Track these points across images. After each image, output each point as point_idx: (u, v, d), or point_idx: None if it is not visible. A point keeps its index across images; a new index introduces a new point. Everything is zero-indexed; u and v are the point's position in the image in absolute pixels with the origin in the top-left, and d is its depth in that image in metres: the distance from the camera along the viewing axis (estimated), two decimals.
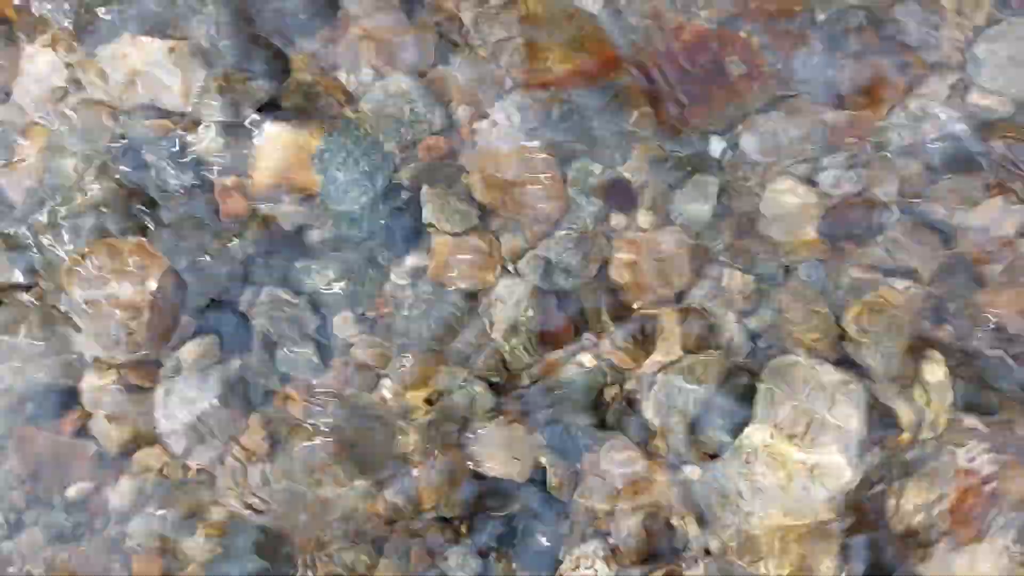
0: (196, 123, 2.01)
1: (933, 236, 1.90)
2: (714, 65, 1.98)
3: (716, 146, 1.99)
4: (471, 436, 1.92)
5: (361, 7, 2.04)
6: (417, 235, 1.98)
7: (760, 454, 1.78)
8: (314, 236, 1.99)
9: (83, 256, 1.94)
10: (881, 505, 1.78)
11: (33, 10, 2.08)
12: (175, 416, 1.91)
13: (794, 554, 1.76)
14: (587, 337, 1.95)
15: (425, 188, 1.98)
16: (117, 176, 2.01)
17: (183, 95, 2.00)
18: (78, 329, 1.96)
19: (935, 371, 1.82)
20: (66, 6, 2.06)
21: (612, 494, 1.87)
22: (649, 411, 1.89)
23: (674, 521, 1.85)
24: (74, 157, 2.03)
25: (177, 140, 2.01)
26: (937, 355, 1.83)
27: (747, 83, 1.97)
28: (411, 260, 1.98)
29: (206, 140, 2.00)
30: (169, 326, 1.94)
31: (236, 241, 1.98)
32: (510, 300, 1.95)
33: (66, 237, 1.99)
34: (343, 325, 1.97)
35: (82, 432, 1.95)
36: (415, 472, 1.89)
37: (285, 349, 1.96)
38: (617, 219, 1.98)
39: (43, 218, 2.01)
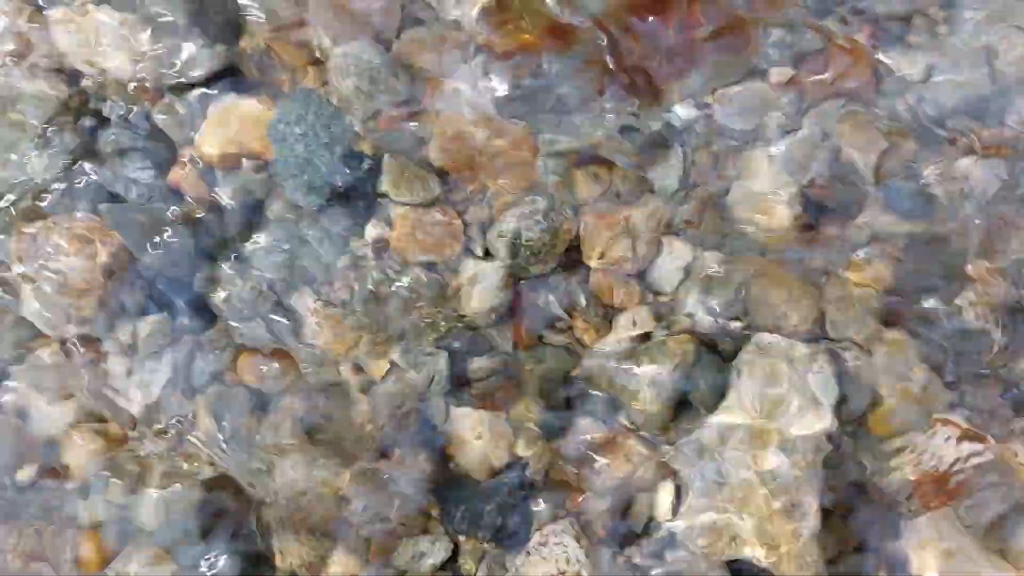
0: (147, 92, 1.93)
1: (909, 208, 1.86)
2: (682, 32, 1.92)
3: (684, 114, 1.93)
4: (439, 414, 1.87)
5: None
6: (378, 206, 1.92)
7: (734, 429, 1.75)
8: (270, 208, 1.93)
9: (32, 230, 1.87)
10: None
11: None
12: (128, 393, 1.85)
13: (769, 531, 1.73)
14: (555, 312, 1.90)
15: (386, 158, 1.91)
16: (66, 146, 1.94)
17: (134, 63, 1.92)
18: (27, 303, 1.90)
19: (903, 344, 1.79)
20: None
21: (583, 472, 1.83)
22: (618, 388, 1.85)
23: (645, 499, 1.81)
24: (23, 125, 1.96)
25: (128, 109, 1.93)
26: (907, 331, 1.81)
27: (716, 50, 1.92)
28: (372, 232, 1.92)
29: (158, 110, 1.93)
30: (120, 301, 1.88)
31: (188, 213, 1.91)
32: (474, 274, 1.89)
33: (13, 211, 1.93)
34: (301, 299, 1.91)
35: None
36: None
37: (242, 324, 1.90)
38: (584, 190, 1.92)
39: None
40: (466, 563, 1.83)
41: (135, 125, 1.95)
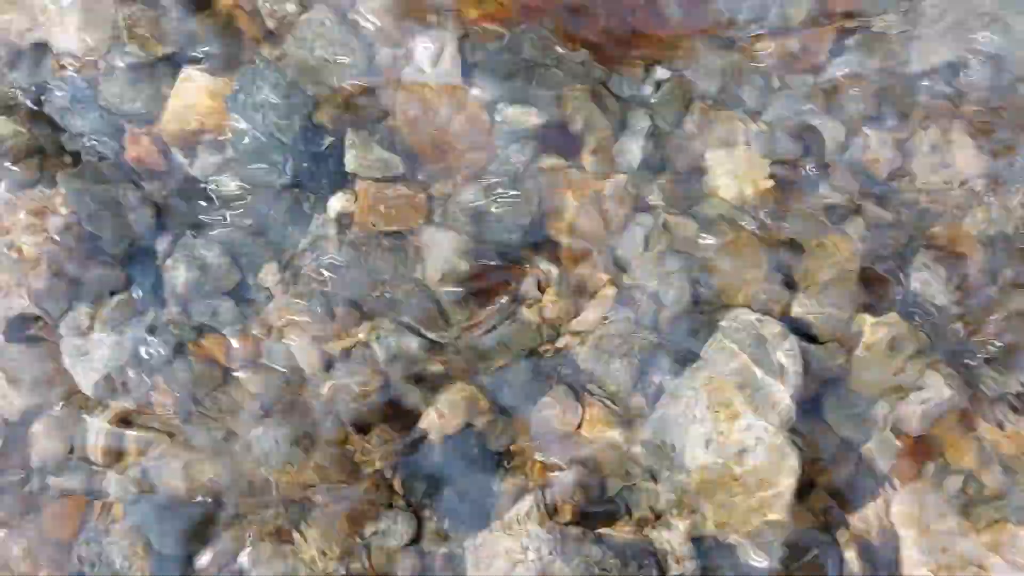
0: (105, 65, 1.90)
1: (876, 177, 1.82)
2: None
3: (655, 80, 1.89)
4: (401, 388, 1.85)
5: None
6: (341, 180, 1.89)
7: (701, 404, 1.72)
8: (230, 182, 1.90)
9: None
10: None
11: None
12: (86, 371, 1.83)
13: (734, 506, 1.71)
14: (523, 288, 1.87)
15: (349, 132, 1.88)
16: (20, 121, 1.92)
17: (91, 36, 1.89)
18: None
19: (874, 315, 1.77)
20: None
21: (547, 449, 1.81)
22: (587, 363, 1.82)
23: (613, 477, 1.79)
24: None
25: (85, 83, 1.90)
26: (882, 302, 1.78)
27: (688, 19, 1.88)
28: (335, 206, 1.89)
29: (115, 83, 1.89)
30: (76, 278, 1.85)
31: (148, 189, 1.88)
32: (440, 249, 1.86)
33: None
34: (264, 276, 1.89)
35: None
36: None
37: (203, 301, 1.88)
38: (552, 163, 1.89)
39: None
40: (430, 539, 1.81)
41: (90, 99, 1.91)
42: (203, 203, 1.91)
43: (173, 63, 1.90)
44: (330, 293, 1.87)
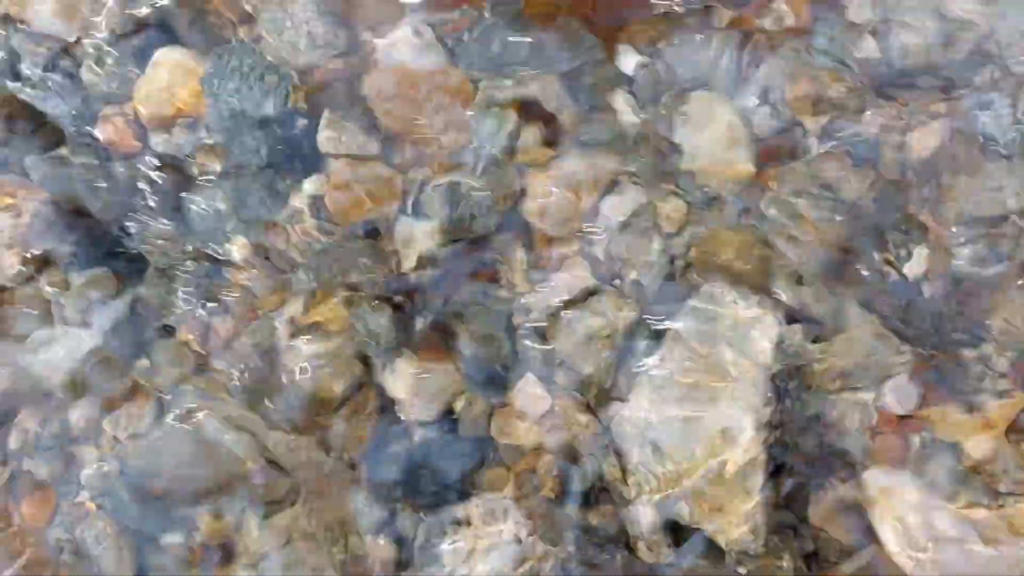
0: (78, 45, 1.89)
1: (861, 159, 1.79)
2: None
3: (631, 62, 1.86)
4: (381, 370, 1.84)
5: None
6: (316, 162, 1.87)
7: (674, 385, 1.70)
8: (205, 164, 1.89)
9: None
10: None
11: None
12: (55, 361, 1.84)
13: (706, 491, 1.70)
14: (498, 268, 1.85)
15: (325, 113, 1.86)
16: None
17: (64, 16, 1.88)
18: None
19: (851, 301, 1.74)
20: None
21: (523, 434, 1.80)
22: (561, 343, 1.80)
23: (588, 461, 1.78)
24: None
25: (59, 63, 1.89)
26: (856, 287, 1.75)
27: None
28: (309, 188, 1.87)
29: (89, 63, 1.89)
30: (48, 261, 1.86)
31: (123, 171, 1.88)
32: (416, 230, 1.85)
33: None
34: (239, 257, 1.88)
35: None
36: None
37: (180, 285, 1.87)
38: (527, 145, 1.86)
39: None
40: (404, 526, 1.80)
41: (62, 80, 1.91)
42: (176, 183, 1.89)
43: (148, 44, 1.89)
44: (305, 271, 1.86)
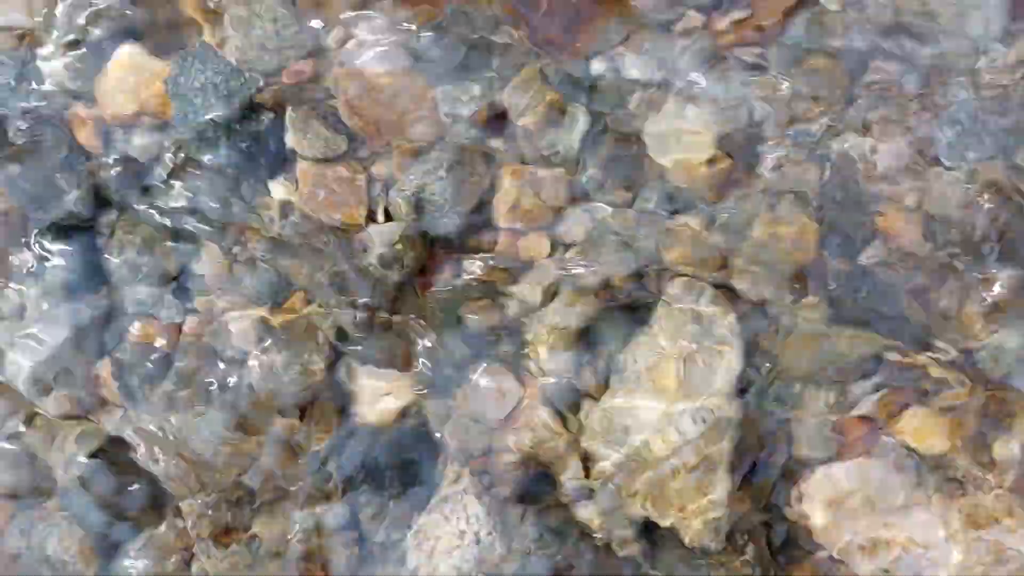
0: (42, 44, 1.89)
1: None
2: None
3: (597, 68, 1.87)
4: (343, 370, 1.85)
5: None
6: (282, 162, 1.88)
7: (641, 383, 1.72)
8: (170, 164, 1.88)
9: None
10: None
11: None
12: (17, 360, 1.83)
13: (673, 488, 1.70)
14: (464, 267, 1.86)
15: (289, 112, 1.87)
16: None
17: (28, 12, 1.88)
18: None
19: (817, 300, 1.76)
20: None
21: (487, 429, 1.81)
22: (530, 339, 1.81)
23: (551, 457, 1.78)
24: None
25: (22, 62, 1.89)
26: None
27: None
28: (276, 189, 1.87)
29: (53, 63, 1.89)
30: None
31: (88, 171, 1.87)
32: (382, 231, 1.85)
33: None
34: (205, 259, 1.87)
35: None
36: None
37: (143, 286, 1.87)
38: (493, 146, 1.87)
39: None
40: (367, 521, 1.80)
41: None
42: (142, 184, 1.89)
43: (112, 43, 1.89)
44: (271, 274, 1.86)
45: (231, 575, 1.80)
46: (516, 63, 1.86)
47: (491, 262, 1.84)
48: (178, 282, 1.89)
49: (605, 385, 1.77)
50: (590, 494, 1.75)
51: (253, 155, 1.87)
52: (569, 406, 1.79)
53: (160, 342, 1.87)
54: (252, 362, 1.84)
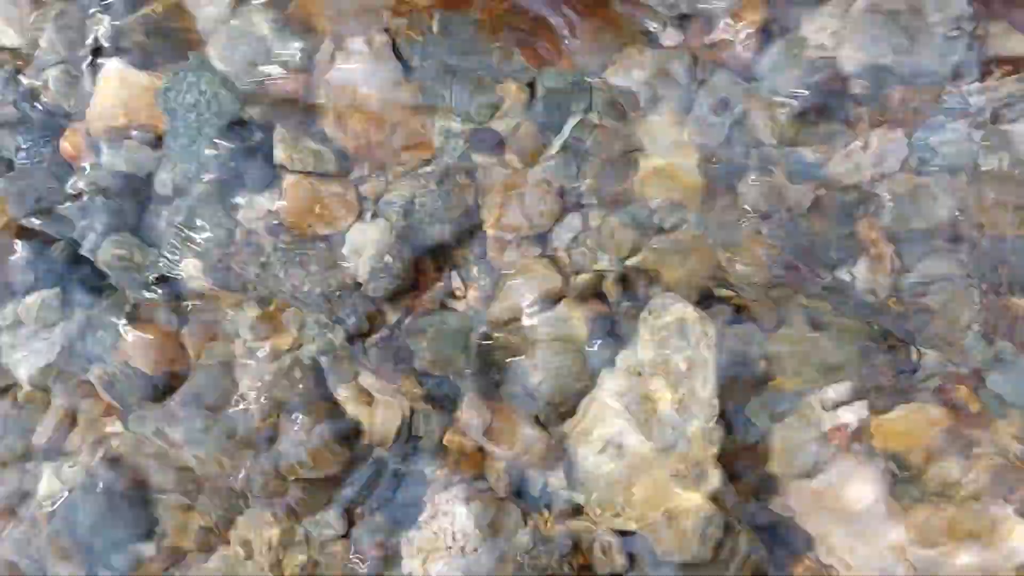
0: (34, 60, 1.90)
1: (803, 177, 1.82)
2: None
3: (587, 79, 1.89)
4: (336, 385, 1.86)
5: None
6: (271, 177, 1.89)
7: (625, 395, 1.73)
8: (161, 178, 1.90)
9: None
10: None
11: None
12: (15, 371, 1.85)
13: (657, 500, 1.71)
14: (454, 283, 1.88)
15: (278, 127, 1.88)
16: None
17: (20, 29, 1.89)
18: None
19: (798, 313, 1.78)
20: None
21: (477, 445, 1.82)
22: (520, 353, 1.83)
23: (537, 473, 1.80)
24: None
25: (14, 78, 1.90)
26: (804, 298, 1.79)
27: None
28: (264, 203, 1.89)
29: (45, 78, 1.90)
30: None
31: (80, 185, 1.88)
32: (371, 245, 1.86)
33: None
34: (193, 273, 1.89)
35: None
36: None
37: (132, 300, 1.88)
38: (483, 159, 1.89)
39: None
40: (361, 534, 1.81)
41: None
42: (133, 197, 1.91)
43: (103, 57, 1.91)
44: (260, 289, 1.87)
45: None
46: (505, 76, 1.88)
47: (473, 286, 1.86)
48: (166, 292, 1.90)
49: (590, 396, 1.78)
50: (575, 505, 1.77)
51: (242, 168, 1.88)
52: (554, 421, 1.80)
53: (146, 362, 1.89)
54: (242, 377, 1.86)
